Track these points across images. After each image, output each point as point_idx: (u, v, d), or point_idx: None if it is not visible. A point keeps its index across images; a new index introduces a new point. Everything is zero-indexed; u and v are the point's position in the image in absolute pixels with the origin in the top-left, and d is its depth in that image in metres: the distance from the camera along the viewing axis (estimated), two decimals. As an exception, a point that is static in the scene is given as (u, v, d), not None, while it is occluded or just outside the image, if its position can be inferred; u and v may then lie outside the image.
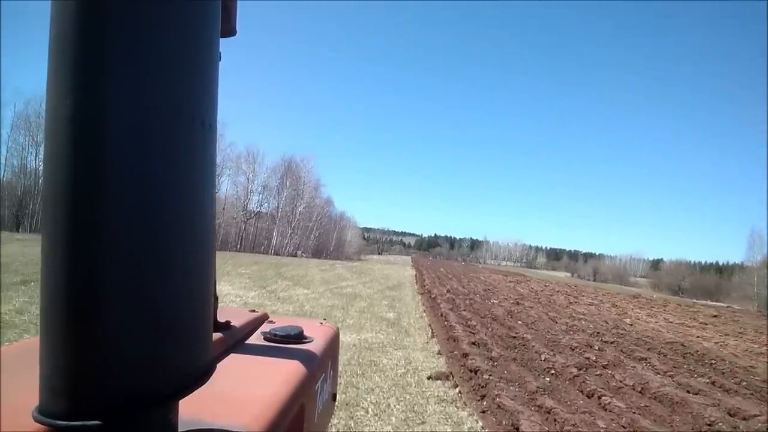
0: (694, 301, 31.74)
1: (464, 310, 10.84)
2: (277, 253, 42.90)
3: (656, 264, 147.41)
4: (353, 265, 28.14)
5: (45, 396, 0.39)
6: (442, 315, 10.00)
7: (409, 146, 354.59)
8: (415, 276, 22.50)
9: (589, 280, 79.70)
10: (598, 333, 9.72)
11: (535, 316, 11.36)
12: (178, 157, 0.42)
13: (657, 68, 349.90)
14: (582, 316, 12.36)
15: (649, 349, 8.49)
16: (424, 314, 10.22)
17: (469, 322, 9.14)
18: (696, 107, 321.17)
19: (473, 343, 7.18)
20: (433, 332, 8.21)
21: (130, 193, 0.39)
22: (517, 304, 13.60)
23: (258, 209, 47.59)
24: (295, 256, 42.76)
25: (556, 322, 10.68)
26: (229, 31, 0.65)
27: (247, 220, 45.82)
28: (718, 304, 33.95)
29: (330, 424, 1.36)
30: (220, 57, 0.50)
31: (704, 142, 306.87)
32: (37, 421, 0.39)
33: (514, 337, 8.26)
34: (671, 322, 13.66)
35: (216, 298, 0.76)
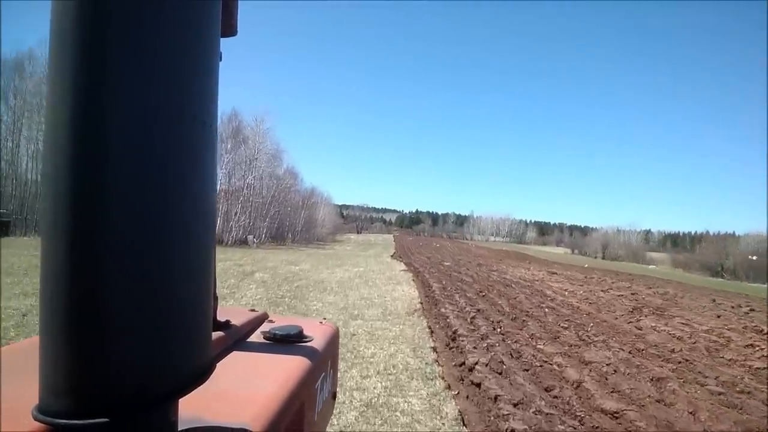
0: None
1: None
2: (221, 241, 31.87)
3: (646, 236, 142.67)
4: (299, 270, 14.50)
5: (45, 395, 0.39)
6: None
7: (389, 122, 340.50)
8: (421, 305, 8.41)
9: (596, 257, 71.68)
10: None
11: None
12: (178, 157, 0.42)
13: (638, 46, 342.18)
14: None
15: None
16: None
17: None
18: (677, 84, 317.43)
19: None
20: None
21: (130, 193, 0.38)
22: None
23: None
24: (246, 243, 31.95)
25: None
26: (230, 31, 0.64)
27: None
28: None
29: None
30: (220, 57, 0.50)
31: (683, 111, 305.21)
32: (37, 420, 0.39)
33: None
34: None
35: (216, 298, 0.76)
